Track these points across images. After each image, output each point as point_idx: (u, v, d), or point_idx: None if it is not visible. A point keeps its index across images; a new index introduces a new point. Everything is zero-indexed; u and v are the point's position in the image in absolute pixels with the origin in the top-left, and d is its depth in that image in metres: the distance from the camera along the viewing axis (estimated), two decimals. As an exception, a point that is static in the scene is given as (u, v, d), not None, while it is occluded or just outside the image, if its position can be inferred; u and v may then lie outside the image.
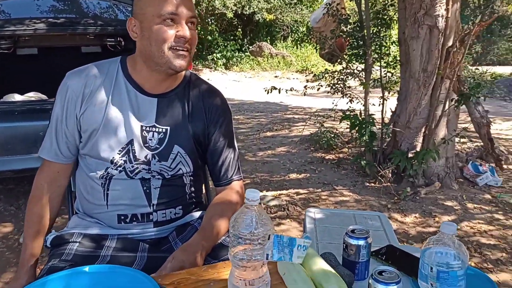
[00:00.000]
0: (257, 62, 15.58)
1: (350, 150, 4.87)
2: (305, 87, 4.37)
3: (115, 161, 1.25)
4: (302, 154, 4.89)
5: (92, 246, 1.25)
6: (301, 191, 3.69)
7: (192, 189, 1.39)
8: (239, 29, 16.74)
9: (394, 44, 4.32)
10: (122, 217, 1.28)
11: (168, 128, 1.29)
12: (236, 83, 12.58)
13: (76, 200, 1.42)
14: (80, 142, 1.30)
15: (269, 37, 17.46)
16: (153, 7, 1.19)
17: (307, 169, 4.36)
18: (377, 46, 3.98)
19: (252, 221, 0.96)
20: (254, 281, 0.98)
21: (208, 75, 13.48)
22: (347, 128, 4.88)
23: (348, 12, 4.98)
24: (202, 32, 15.66)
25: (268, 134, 5.98)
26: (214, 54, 15.20)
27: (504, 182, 3.89)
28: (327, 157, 4.68)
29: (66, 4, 3.91)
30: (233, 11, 14.72)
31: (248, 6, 14.53)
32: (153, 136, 1.27)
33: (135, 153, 1.26)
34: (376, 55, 3.98)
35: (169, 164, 1.29)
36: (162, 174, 1.29)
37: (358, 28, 3.94)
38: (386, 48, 4.05)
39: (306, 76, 7.29)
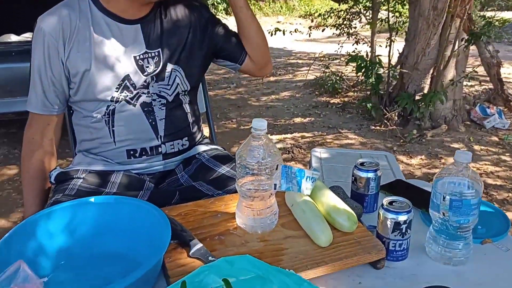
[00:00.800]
0: (258, 7, 15.10)
1: (355, 93, 4.80)
2: (310, 27, 4.23)
3: (115, 99, 1.21)
4: (306, 99, 4.82)
5: (97, 182, 1.23)
6: (306, 134, 3.67)
7: (193, 118, 1.38)
8: (241, -28, 16.11)
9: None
10: (132, 152, 1.26)
11: (159, 49, 1.25)
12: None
13: (76, 141, 1.39)
14: (70, 88, 1.24)
15: (271, -20, 16.84)
16: None
17: (312, 113, 4.31)
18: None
19: (259, 151, 0.94)
20: (262, 211, 0.96)
21: (209, 21, 13.12)
22: (352, 71, 4.78)
23: None
24: (202, -25, 15.07)
25: (272, 79, 5.88)
26: (215, -1, 14.74)
27: None
28: (332, 101, 4.62)
29: None
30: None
31: None
32: (148, 62, 1.23)
33: (134, 84, 1.22)
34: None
35: (166, 82, 1.26)
36: (163, 96, 1.26)
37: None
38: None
39: (311, 16, 7.04)
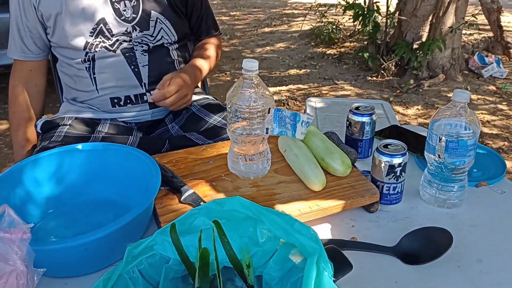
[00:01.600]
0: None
1: (352, 44, 4.69)
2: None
3: (89, 45, 1.17)
4: (302, 50, 4.72)
5: (84, 129, 1.21)
6: (301, 86, 3.62)
7: (182, 65, 1.33)
8: None
9: None
10: (116, 100, 1.24)
11: None
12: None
13: (63, 94, 1.36)
14: (46, 33, 1.21)
15: None
16: None
17: (307, 64, 4.23)
18: None
19: (250, 93, 0.90)
20: (254, 157, 0.94)
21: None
22: (349, 19, 4.66)
23: None
24: None
25: (266, 30, 5.74)
26: None
27: (510, 74, 3.80)
28: (328, 52, 4.53)
29: None
30: None
31: None
32: (125, 6, 1.18)
33: (110, 30, 1.17)
34: None
35: (151, 32, 1.22)
36: (146, 43, 1.22)
37: None
38: None
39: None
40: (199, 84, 1.49)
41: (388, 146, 0.91)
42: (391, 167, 0.88)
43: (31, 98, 1.27)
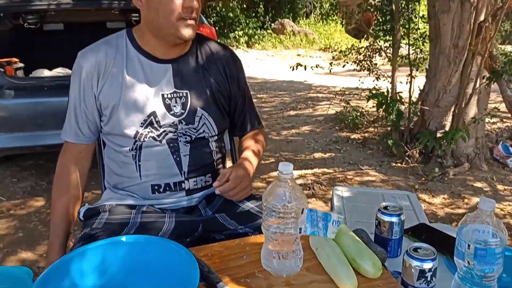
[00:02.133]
0: (279, 40, 15.40)
1: (376, 129, 4.80)
2: (330, 63, 4.30)
3: (139, 134, 1.27)
4: (326, 133, 4.84)
5: (123, 215, 1.27)
6: (326, 170, 3.67)
7: (218, 155, 1.42)
8: (261, 6, 16.52)
9: (422, 19, 4.17)
10: (156, 187, 1.31)
11: (188, 91, 1.31)
12: (258, 61, 12.49)
13: (105, 176, 1.45)
14: (101, 120, 1.32)
15: (291, 14, 17.20)
16: None
17: (332, 148, 4.33)
18: (405, 21, 3.86)
19: (285, 194, 0.97)
20: (288, 255, 0.98)
21: (230, 54, 13.37)
22: (373, 106, 4.81)
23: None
24: (223, 10, 15.53)
25: (292, 113, 5.94)
26: (236, 32, 15.08)
27: (536, 163, 3.78)
28: (352, 137, 4.63)
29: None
30: (256, -12, 14.51)
31: (271, -17, 14.29)
32: (176, 102, 1.29)
33: (159, 122, 1.28)
34: (404, 30, 3.87)
35: (195, 126, 1.32)
36: (189, 135, 1.31)
37: (386, 2, 3.83)
38: (414, 23, 3.93)
39: (332, 52, 7.16)
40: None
41: (418, 250, 0.94)
42: (422, 272, 0.91)
43: (76, 177, 1.35)
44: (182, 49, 1.33)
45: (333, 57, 4.37)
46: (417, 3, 3.88)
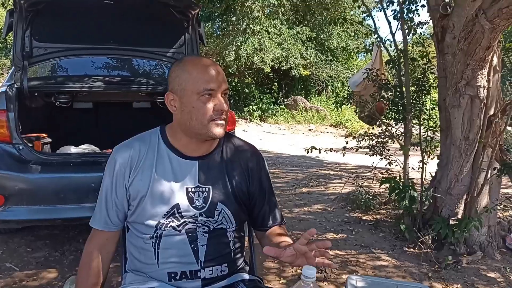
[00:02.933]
0: (291, 115, 15.85)
1: (387, 211, 4.83)
2: (344, 148, 4.44)
3: (160, 224, 1.36)
4: (338, 213, 4.87)
5: None
6: (338, 252, 3.67)
7: (237, 245, 1.48)
8: (275, 83, 17.21)
9: (432, 105, 4.36)
10: (172, 275, 1.37)
11: (210, 187, 1.40)
12: (270, 135, 12.77)
13: (127, 259, 1.52)
14: (129, 209, 1.41)
15: (304, 91, 17.83)
16: (193, 85, 1.33)
17: (344, 229, 4.34)
18: (416, 111, 4.04)
19: (310, 298, 1.02)
20: None
21: (243, 126, 13.76)
22: (385, 190, 4.86)
23: (387, 77, 5.10)
24: (239, 85, 16.18)
25: (304, 190, 6.01)
26: (250, 106, 15.61)
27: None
28: (364, 218, 4.65)
29: (120, 62, 4.19)
30: (271, 67, 15.20)
31: (285, 62, 15.00)
32: (198, 196, 1.39)
33: (181, 213, 1.37)
34: (415, 120, 4.03)
35: (214, 219, 1.40)
36: (208, 225, 1.39)
37: (398, 94, 4.03)
38: (425, 114, 4.10)
39: (346, 136, 7.35)
40: (248, 260, 1.62)
41: None
42: None
43: (102, 262, 1.42)
44: (210, 145, 1.44)
45: (347, 142, 4.50)
46: (428, 95, 4.06)
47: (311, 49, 15.85)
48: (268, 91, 16.80)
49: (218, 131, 1.36)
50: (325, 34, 16.53)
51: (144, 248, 1.40)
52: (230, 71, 14.29)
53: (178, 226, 1.37)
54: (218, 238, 1.41)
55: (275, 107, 16.12)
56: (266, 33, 14.38)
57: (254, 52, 14.09)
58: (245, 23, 13.65)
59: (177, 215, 1.37)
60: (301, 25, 16.17)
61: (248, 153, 1.51)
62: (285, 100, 16.71)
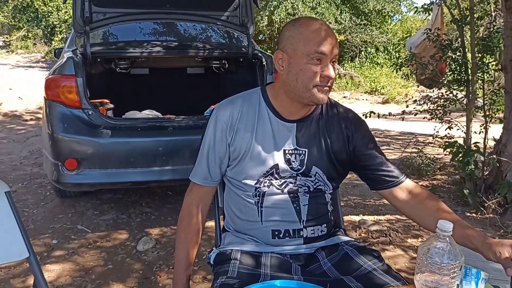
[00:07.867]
0: (324, 82, 15.50)
1: (443, 177, 4.73)
2: (403, 112, 4.34)
3: (260, 182, 1.37)
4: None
5: (251, 264, 1.35)
6: (399, 217, 3.64)
7: (332, 208, 1.48)
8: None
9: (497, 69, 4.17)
10: (276, 232, 1.39)
11: (307, 150, 1.39)
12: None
13: (225, 218, 1.54)
14: (228, 166, 1.42)
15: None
16: (305, 46, 1.28)
17: (400, 194, 4.28)
18: (480, 73, 3.88)
19: (444, 251, 1.00)
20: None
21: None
22: (438, 154, 4.76)
23: (448, 36, 4.89)
24: (270, 52, 15.90)
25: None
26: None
27: None
28: (420, 183, 4.57)
29: (176, 27, 4.16)
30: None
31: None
32: (295, 158, 1.38)
33: (279, 173, 1.38)
34: (480, 82, 3.88)
35: (312, 180, 1.40)
36: (307, 186, 1.40)
37: (461, 54, 3.86)
38: (490, 75, 3.93)
39: (383, 103, 7.16)
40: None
41: None
42: None
43: (199, 214, 1.46)
44: (309, 109, 1.42)
45: (407, 105, 4.39)
46: (493, 55, 3.88)
47: (345, 13, 15.31)
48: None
49: (321, 96, 1.32)
50: (360, -4, 15.89)
51: (247, 206, 1.41)
52: (260, 38, 13.98)
53: (280, 186, 1.38)
54: (318, 199, 1.42)
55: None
56: (300, -4, 13.95)
57: (287, 17, 13.75)
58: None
59: (276, 175, 1.38)
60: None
61: (347, 118, 1.46)
62: (320, 67, 16.37)
